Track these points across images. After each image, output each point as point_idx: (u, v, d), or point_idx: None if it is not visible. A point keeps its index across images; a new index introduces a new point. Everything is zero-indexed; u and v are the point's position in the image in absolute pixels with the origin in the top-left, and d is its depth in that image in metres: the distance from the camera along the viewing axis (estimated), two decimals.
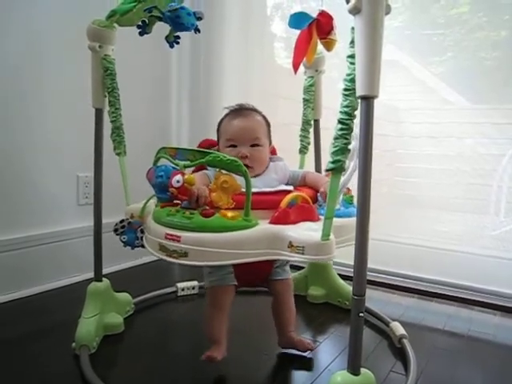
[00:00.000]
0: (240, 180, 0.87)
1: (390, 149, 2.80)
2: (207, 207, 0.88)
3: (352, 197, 1.02)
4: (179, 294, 1.57)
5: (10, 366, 1.09)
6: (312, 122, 1.46)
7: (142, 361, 1.13)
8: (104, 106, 1.20)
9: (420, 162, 2.77)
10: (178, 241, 0.84)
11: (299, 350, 1.14)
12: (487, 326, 1.40)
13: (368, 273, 0.79)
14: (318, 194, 1.05)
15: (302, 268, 1.62)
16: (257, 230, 0.86)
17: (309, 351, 1.15)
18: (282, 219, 0.89)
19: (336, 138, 0.78)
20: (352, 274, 0.78)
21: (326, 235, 0.81)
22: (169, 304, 1.52)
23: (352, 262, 0.78)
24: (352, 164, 0.86)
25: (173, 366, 1.11)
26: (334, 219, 0.82)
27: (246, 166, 0.99)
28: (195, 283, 1.60)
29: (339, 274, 1.55)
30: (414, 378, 1.04)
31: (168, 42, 1.21)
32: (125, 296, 1.37)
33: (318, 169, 1.48)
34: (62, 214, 1.65)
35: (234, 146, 1.09)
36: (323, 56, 1.39)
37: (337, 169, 0.78)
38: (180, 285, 1.58)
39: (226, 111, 1.17)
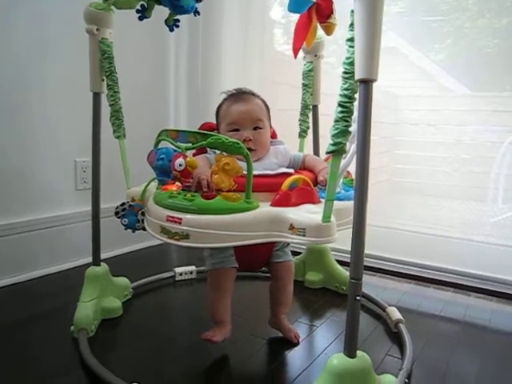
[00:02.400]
0: (240, 163, 0.87)
1: (389, 136, 2.79)
2: (209, 189, 0.88)
3: (352, 180, 1.02)
4: (177, 279, 1.57)
5: (8, 350, 1.09)
6: (311, 107, 1.45)
7: (140, 344, 1.14)
8: (102, 89, 1.18)
9: (419, 149, 2.77)
10: (180, 223, 0.84)
11: (284, 336, 1.16)
12: (483, 312, 1.41)
13: (365, 259, 0.79)
14: (318, 182, 1.04)
15: (300, 253, 1.62)
16: (258, 212, 0.86)
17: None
18: (283, 201, 0.89)
19: (336, 121, 0.77)
20: (349, 260, 0.78)
21: (326, 217, 0.81)
22: (167, 288, 1.53)
23: (349, 248, 0.78)
24: (353, 147, 0.85)
25: (170, 349, 1.12)
26: (335, 202, 0.82)
27: (250, 149, 0.98)
28: (193, 268, 1.60)
29: (337, 260, 1.56)
30: (410, 361, 1.05)
31: (168, 25, 1.19)
32: (123, 280, 1.38)
33: (316, 155, 1.47)
34: (59, 199, 1.64)
35: (237, 130, 1.08)
36: (323, 41, 1.38)
37: (337, 151, 0.78)
38: (178, 269, 1.58)
39: (224, 96, 1.16)
